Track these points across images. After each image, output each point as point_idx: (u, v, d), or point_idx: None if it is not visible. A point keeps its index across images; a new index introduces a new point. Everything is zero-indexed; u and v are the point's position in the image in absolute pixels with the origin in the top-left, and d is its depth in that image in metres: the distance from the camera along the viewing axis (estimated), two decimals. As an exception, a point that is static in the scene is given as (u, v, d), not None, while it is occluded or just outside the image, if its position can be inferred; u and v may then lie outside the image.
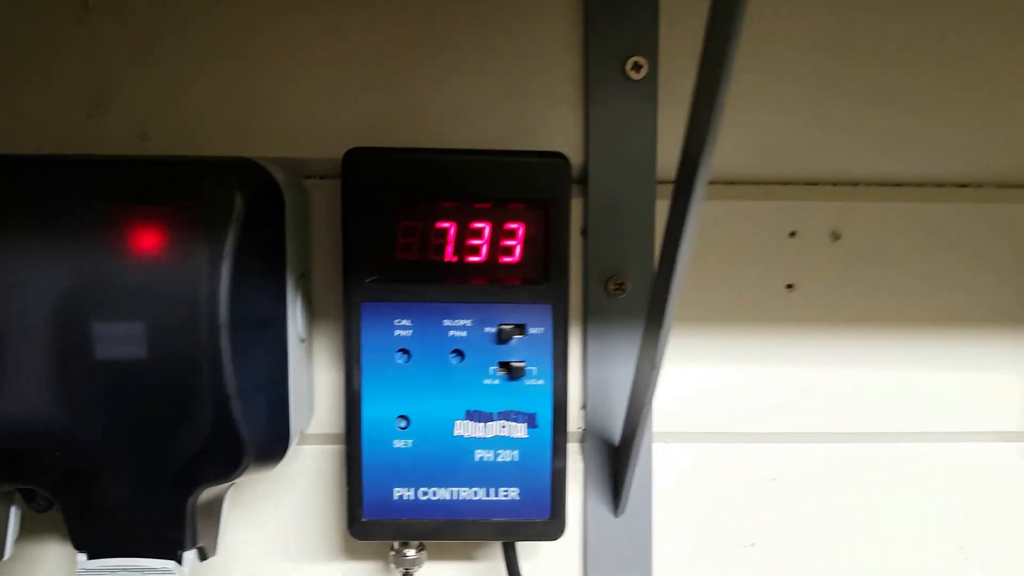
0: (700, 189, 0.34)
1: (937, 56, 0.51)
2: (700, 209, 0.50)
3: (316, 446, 0.51)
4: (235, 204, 0.39)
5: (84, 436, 0.39)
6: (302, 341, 0.46)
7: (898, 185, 0.52)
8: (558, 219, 0.45)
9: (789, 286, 0.52)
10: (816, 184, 0.52)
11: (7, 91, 0.48)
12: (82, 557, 0.40)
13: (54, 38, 0.48)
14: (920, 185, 0.52)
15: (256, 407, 0.41)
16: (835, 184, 0.52)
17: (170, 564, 0.40)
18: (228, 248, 0.39)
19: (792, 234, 0.51)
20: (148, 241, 0.38)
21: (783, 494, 0.52)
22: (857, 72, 0.50)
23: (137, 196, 0.39)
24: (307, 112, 0.49)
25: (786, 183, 0.51)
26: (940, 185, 0.52)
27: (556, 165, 0.45)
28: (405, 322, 0.44)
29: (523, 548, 0.50)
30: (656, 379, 0.41)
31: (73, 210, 0.38)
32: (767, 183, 0.51)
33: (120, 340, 0.39)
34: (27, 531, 0.45)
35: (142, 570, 0.40)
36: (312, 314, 0.49)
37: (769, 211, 0.51)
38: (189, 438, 0.39)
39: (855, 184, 0.52)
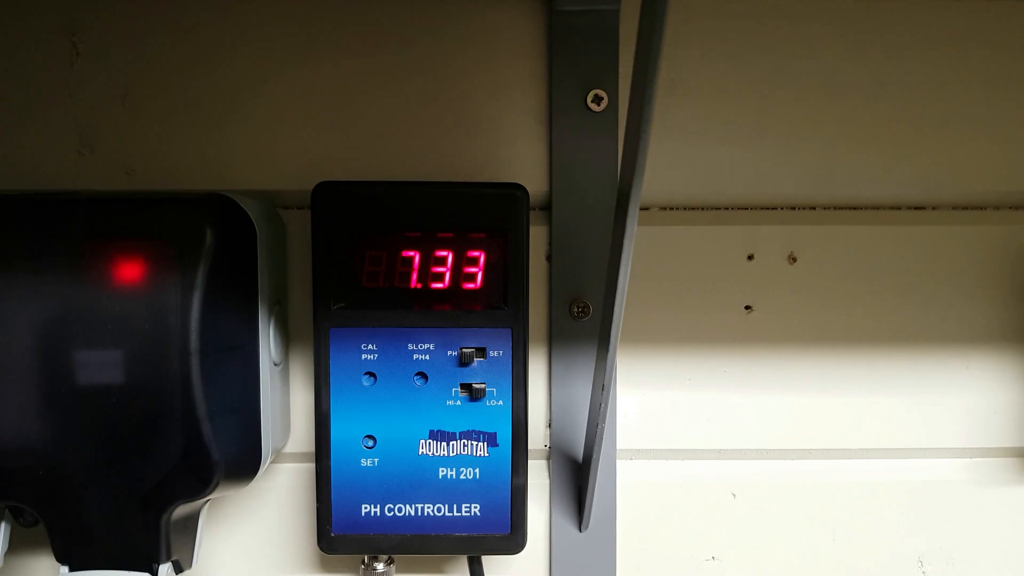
0: (633, 214, 0.36)
1: (892, 83, 0.52)
2: (659, 234, 0.53)
3: (292, 464, 0.53)
4: (206, 238, 0.42)
5: (65, 456, 0.42)
6: (276, 365, 0.49)
7: (854, 208, 0.54)
8: (517, 247, 0.47)
9: (748, 307, 0.53)
10: (773, 208, 0.53)
11: (1, 130, 0.51)
12: (64, 569, 0.43)
13: (45, 81, 0.51)
14: (876, 208, 0.54)
15: (227, 429, 0.43)
16: (792, 208, 0.54)
17: (145, 576, 0.42)
18: (199, 279, 0.41)
19: (750, 257, 0.53)
20: (125, 274, 0.41)
21: (743, 509, 0.54)
22: (813, 99, 0.52)
23: (114, 232, 0.42)
24: (283, 147, 0.51)
25: (744, 208, 0.53)
26: (895, 208, 0.54)
27: (514, 196, 0.47)
28: (371, 346, 0.47)
29: (490, 563, 0.52)
30: (607, 398, 0.43)
31: (54, 245, 0.41)
32: (725, 208, 0.53)
33: (99, 367, 0.41)
34: (15, 545, 0.47)
35: (119, 581, 0.42)
36: (289, 339, 0.52)
37: (727, 235, 0.53)
38: (162, 458, 0.42)
39: (811, 208, 0.54)
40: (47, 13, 0.51)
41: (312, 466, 0.52)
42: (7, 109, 0.51)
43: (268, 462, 0.47)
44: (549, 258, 0.52)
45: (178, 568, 0.44)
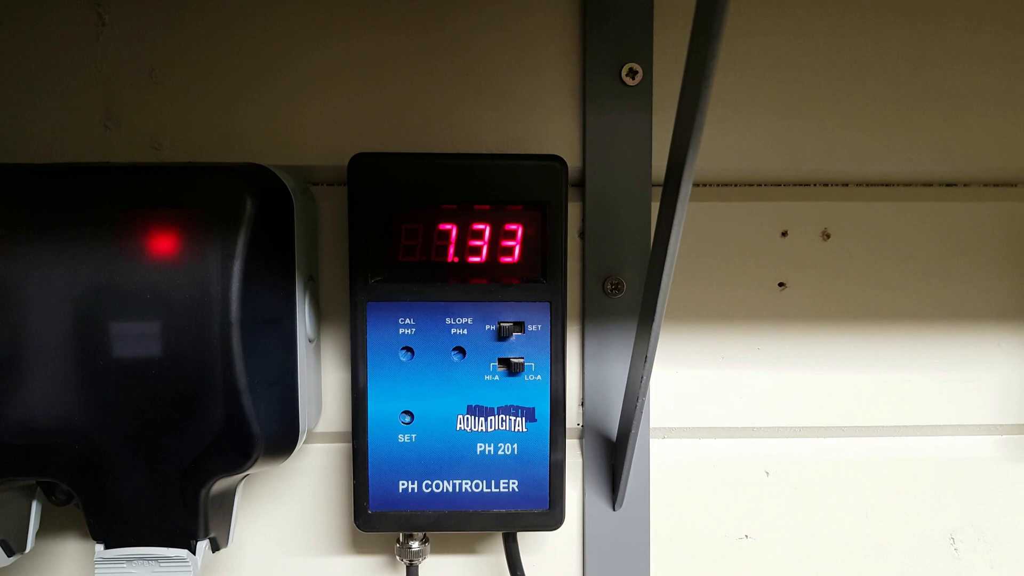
0: (686, 187, 0.36)
1: (922, 60, 0.52)
2: (693, 210, 0.52)
3: (323, 444, 0.52)
4: (246, 207, 0.41)
5: (102, 431, 0.41)
6: (310, 341, 0.48)
7: (886, 185, 0.53)
8: (555, 220, 0.46)
9: (781, 284, 0.53)
10: (807, 185, 0.53)
11: (25, 103, 0.50)
12: (100, 547, 0.42)
13: (71, 52, 0.50)
14: (908, 184, 0.54)
15: (266, 402, 0.42)
16: (825, 185, 0.53)
17: (183, 552, 0.41)
18: (239, 249, 0.40)
19: (784, 234, 0.53)
20: (163, 243, 0.40)
21: (775, 487, 0.54)
22: (844, 76, 0.52)
23: (152, 201, 0.41)
24: (312, 123, 0.51)
25: (777, 184, 0.53)
26: (927, 184, 0.54)
27: (552, 168, 0.46)
28: (409, 320, 0.46)
29: (524, 541, 0.51)
30: (649, 371, 0.43)
31: (91, 215, 0.40)
32: (759, 184, 0.53)
33: (136, 339, 0.40)
34: (46, 526, 0.47)
35: (157, 558, 0.41)
36: (320, 316, 0.51)
37: (761, 211, 0.53)
38: (202, 431, 0.41)
39: (844, 184, 0.53)
40: (73, -16, 0.50)
41: (343, 446, 0.52)
42: (32, 82, 0.50)
43: (304, 439, 0.47)
44: (582, 234, 0.52)
45: (215, 546, 0.44)
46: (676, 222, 0.37)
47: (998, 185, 0.54)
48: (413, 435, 0.46)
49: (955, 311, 0.54)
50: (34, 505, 0.45)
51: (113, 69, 0.50)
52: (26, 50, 0.50)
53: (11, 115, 0.50)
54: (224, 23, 0.50)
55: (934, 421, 0.54)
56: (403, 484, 0.46)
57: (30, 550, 0.45)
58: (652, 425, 0.53)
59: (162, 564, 0.42)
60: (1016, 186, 0.54)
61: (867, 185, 0.53)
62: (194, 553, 0.42)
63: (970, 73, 0.52)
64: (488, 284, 0.46)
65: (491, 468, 0.47)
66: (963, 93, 0.53)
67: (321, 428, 0.52)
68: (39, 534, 0.46)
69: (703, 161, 0.52)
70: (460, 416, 0.47)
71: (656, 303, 0.40)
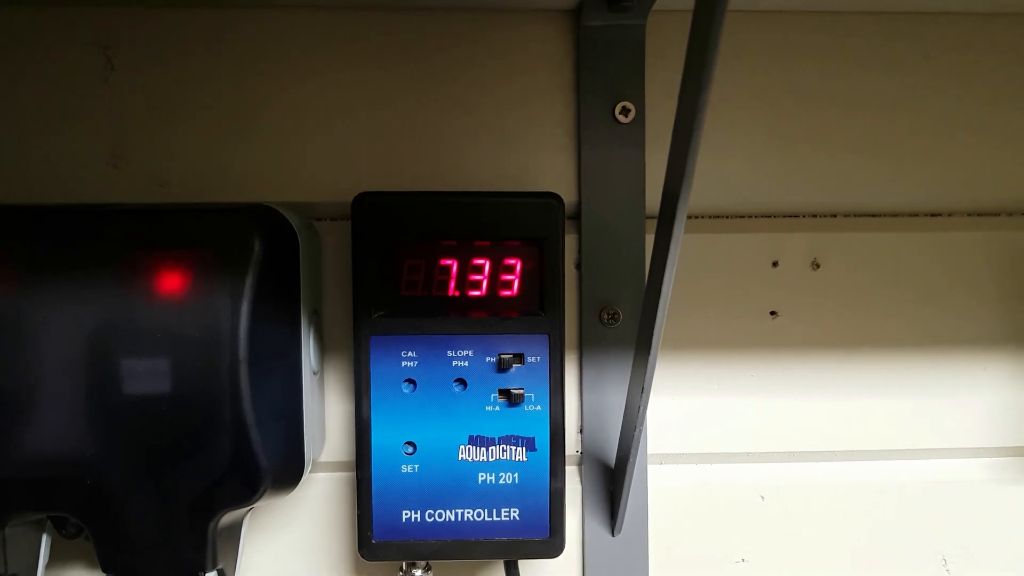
0: (680, 220, 0.37)
1: (908, 96, 0.54)
2: (687, 242, 0.53)
3: (327, 473, 0.53)
4: (254, 247, 0.42)
5: (112, 466, 0.42)
6: (315, 374, 0.49)
7: (873, 216, 0.55)
8: (553, 254, 0.48)
9: (772, 313, 0.55)
10: (796, 216, 0.55)
11: (35, 143, 0.51)
12: (110, 580, 0.43)
13: (80, 93, 0.51)
14: (894, 215, 0.55)
15: (273, 436, 0.43)
16: (814, 216, 0.55)
17: (193, 585, 0.42)
18: (247, 288, 0.42)
19: (775, 264, 0.54)
20: (172, 283, 0.41)
21: (771, 511, 0.55)
22: (834, 111, 0.54)
23: (162, 241, 0.42)
24: (316, 159, 0.52)
25: (768, 216, 0.55)
26: (913, 215, 0.55)
27: (550, 205, 0.48)
28: (411, 353, 0.47)
29: (525, 569, 0.52)
30: (646, 401, 0.44)
31: (102, 255, 0.41)
32: (750, 216, 0.55)
33: (146, 376, 0.42)
34: (55, 558, 0.47)
35: (167, 591, 0.42)
36: (324, 348, 0.52)
37: (752, 242, 0.54)
38: (210, 466, 0.42)
39: (833, 216, 0.55)
40: (82, 26, 0.51)
41: (346, 475, 0.53)
42: (41, 122, 0.51)
43: (309, 470, 0.48)
44: (579, 266, 0.53)
45: (222, 577, 0.44)
46: (671, 254, 0.39)
47: (981, 215, 0.55)
48: (416, 465, 0.47)
49: (942, 337, 0.55)
50: (44, 538, 0.46)
51: (120, 109, 0.51)
52: (37, 92, 0.51)
53: (21, 155, 0.51)
54: (228, 64, 0.52)
55: (924, 445, 0.55)
56: (406, 514, 0.47)
57: (40, 583, 0.46)
58: (650, 451, 0.54)
59: (171, 596, 0.43)
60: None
61: (855, 216, 0.55)
62: (202, 585, 0.43)
63: (953, 107, 0.54)
64: (488, 317, 0.48)
65: (492, 497, 0.48)
66: (947, 127, 0.54)
67: (325, 458, 0.53)
68: (49, 566, 0.46)
69: (696, 194, 0.53)
70: (462, 446, 0.48)
71: (652, 332, 0.41)
